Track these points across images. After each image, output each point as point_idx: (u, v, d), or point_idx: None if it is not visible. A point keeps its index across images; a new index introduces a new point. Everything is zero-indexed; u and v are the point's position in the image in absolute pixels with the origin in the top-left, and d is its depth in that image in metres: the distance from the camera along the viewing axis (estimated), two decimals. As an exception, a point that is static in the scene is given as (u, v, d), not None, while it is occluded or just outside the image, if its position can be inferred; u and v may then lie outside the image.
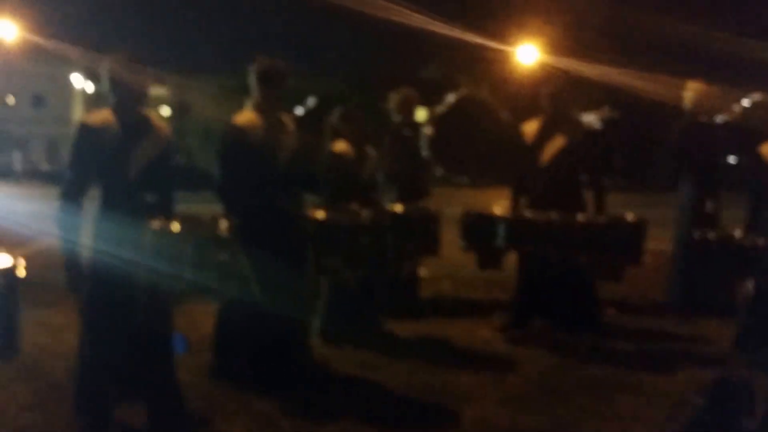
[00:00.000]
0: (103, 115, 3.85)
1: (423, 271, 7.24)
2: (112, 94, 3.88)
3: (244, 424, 4.27)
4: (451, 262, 7.37)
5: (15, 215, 15.59)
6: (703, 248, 5.43)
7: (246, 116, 4.87)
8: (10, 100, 55.04)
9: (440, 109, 6.37)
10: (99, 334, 3.83)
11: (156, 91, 45.24)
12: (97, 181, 3.84)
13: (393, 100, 6.82)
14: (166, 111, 46.21)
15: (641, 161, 6.35)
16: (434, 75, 39.45)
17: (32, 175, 31.70)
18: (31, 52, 39.64)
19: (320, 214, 5.16)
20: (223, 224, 3.81)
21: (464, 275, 8.12)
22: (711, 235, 5.26)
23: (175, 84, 47.39)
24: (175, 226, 3.69)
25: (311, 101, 5.50)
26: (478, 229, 5.93)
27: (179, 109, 48.04)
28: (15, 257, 3.08)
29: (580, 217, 5.71)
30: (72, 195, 3.83)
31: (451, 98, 6.37)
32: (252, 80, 4.89)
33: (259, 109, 4.86)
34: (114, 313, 3.74)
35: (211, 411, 4.41)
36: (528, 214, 5.87)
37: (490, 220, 5.85)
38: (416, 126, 6.73)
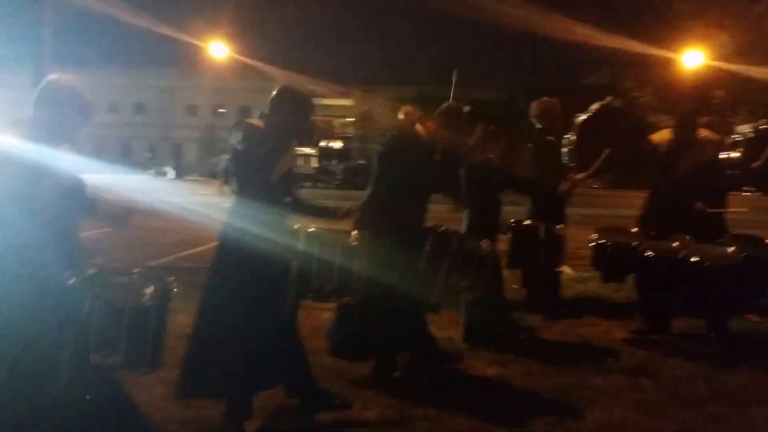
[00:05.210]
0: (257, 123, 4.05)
1: (567, 271, 6.94)
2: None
3: (377, 406, 4.26)
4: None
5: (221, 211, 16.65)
6: None
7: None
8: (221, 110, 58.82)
9: (583, 116, 6.10)
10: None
11: (342, 102, 46.99)
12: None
13: (534, 108, 6.57)
14: (350, 120, 47.70)
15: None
16: (599, 82, 38.13)
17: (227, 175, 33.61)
18: (240, 69, 42.29)
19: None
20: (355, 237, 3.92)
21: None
22: None
23: (358, 96, 48.90)
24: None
25: (465, 109, 5.41)
26: (609, 258, 5.67)
27: (362, 118, 49.58)
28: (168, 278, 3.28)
29: (716, 254, 5.30)
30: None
31: (594, 106, 6.09)
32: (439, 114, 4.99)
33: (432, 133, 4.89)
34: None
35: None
36: (655, 248, 5.45)
37: (623, 250, 5.59)
38: (558, 133, 6.45)
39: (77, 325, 3.05)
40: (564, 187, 6.14)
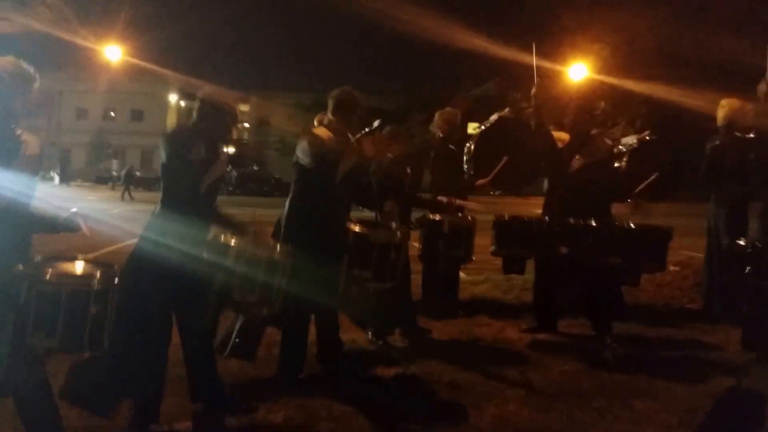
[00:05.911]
0: None
1: (462, 276, 7.18)
2: None
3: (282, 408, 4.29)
4: (494, 266, 7.12)
5: (111, 217, 16.17)
6: (733, 256, 5.38)
7: (320, 131, 4.88)
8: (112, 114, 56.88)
9: (481, 127, 6.34)
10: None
11: (239, 108, 46.41)
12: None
13: (437, 118, 6.79)
14: (246, 125, 47.21)
15: (678, 177, 6.15)
16: (489, 92, 39.34)
17: (128, 181, 32.64)
18: (132, 73, 41.04)
19: (357, 228, 4.94)
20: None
21: (504, 279, 7.95)
22: (741, 243, 5.17)
23: (255, 102, 48.40)
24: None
25: (376, 123, 5.47)
26: (509, 231, 5.99)
27: (258, 124, 49.25)
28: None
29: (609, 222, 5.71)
30: None
31: (493, 117, 6.34)
32: (330, 105, 4.96)
33: (332, 128, 4.87)
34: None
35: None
36: (557, 219, 5.83)
37: (523, 222, 6.01)
38: (458, 141, 6.69)
39: (17, 308, 2.99)
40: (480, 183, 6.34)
